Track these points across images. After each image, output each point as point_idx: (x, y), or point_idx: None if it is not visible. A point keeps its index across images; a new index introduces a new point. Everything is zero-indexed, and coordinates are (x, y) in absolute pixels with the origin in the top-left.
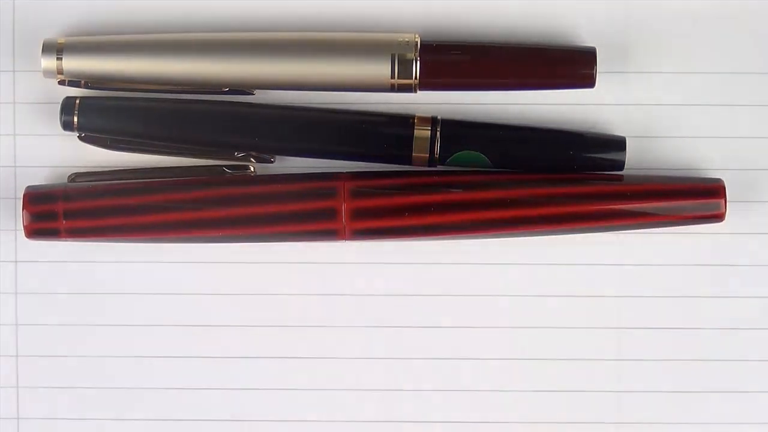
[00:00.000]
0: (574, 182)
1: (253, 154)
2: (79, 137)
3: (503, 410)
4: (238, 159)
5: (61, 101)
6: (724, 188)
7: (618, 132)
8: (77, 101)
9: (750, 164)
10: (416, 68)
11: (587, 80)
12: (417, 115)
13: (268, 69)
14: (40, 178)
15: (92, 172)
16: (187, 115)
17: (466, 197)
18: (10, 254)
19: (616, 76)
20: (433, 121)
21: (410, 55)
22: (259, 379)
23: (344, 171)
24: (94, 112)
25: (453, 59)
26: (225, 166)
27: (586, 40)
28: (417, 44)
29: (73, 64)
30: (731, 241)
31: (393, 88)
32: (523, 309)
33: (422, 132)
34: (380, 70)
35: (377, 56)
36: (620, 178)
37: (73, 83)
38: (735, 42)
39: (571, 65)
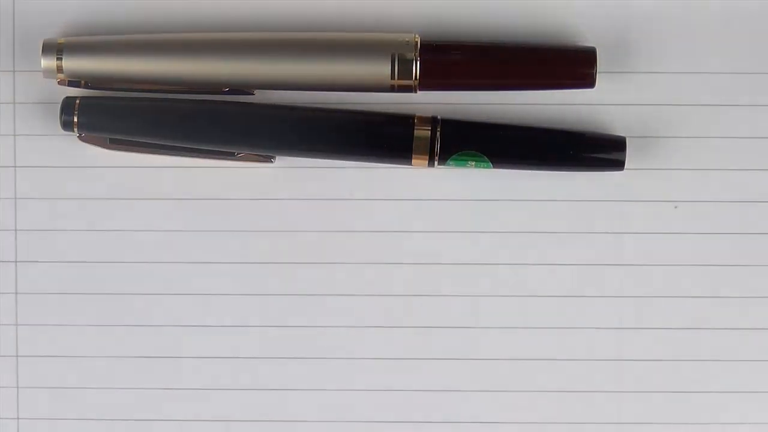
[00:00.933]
0: None
1: (253, 153)
2: (79, 137)
3: (503, 410)
4: (238, 159)
5: (61, 101)
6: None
7: (618, 132)
8: (77, 101)
9: (750, 164)
10: (416, 68)
11: (587, 80)
12: (417, 115)
13: (268, 69)
14: (39, 178)
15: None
16: (187, 115)
17: None
18: (10, 254)
19: (616, 76)
20: (433, 121)
21: (410, 55)
22: (261, 379)
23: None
24: (94, 112)
25: (453, 59)
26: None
27: (586, 40)
28: (417, 44)
29: (73, 64)
30: (732, 241)
31: (393, 88)
32: (523, 308)
33: (422, 132)
34: (380, 70)
35: (377, 56)
36: None
37: (73, 83)
38: (735, 42)
39: (571, 65)
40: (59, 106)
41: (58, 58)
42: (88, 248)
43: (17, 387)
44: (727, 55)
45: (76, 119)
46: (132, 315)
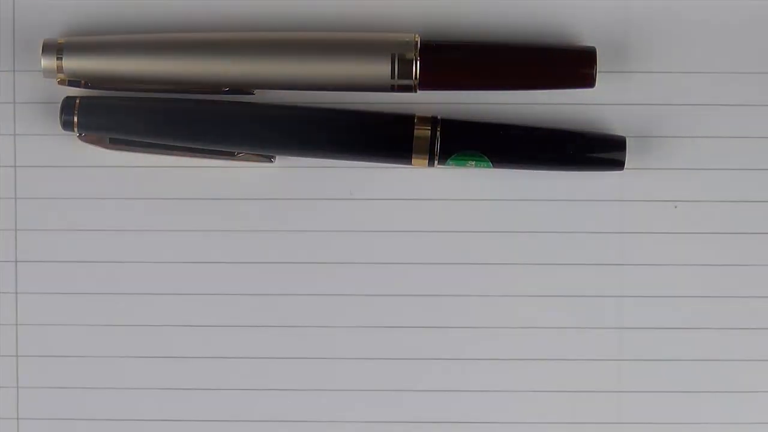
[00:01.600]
0: None
1: (253, 153)
2: (79, 137)
3: (503, 410)
4: (238, 158)
5: (61, 101)
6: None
7: (618, 132)
8: (77, 101)
9: (751, 164)
10: (416, 68)
11: (587, 80)
12: (417, 115)
13: (268, 69)
14: (39, 178)
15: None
16: (187, 115)
17: None
18: (10, 254)
19: (616, 76)
20: (433, 121)
21: (410, 55)
22: (262, 379)
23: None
24: (94, 112)
25: (453, 59)
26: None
27: (586, 40)
28: (417, 44)
29: (73, 64)
30: (732, 241)
31: (393, 88)
32: (522, 309)
33: (422, 132)
34: (380, 70)
35: (377, 56)
36: None
37: (73, 83)
38: (735, 42)
39: (571, 65)
40: (59, 106)
41: (58, 58)
42: (88, 248)
43: (17, 387)
44: (727, 55)
45: (76, 119)
46: (132, 315)
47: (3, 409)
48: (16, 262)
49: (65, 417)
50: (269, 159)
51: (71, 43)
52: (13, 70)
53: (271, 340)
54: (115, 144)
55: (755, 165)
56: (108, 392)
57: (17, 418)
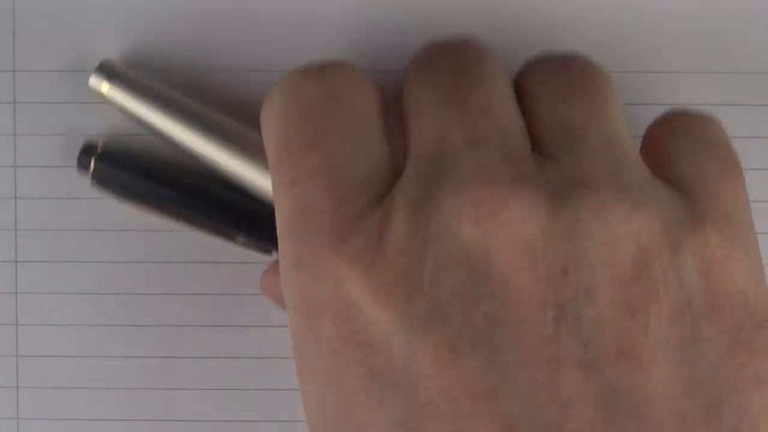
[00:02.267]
0: None
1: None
2: (92, 181)
3: None
4: (238, 243)
5: (81, 145)
6: None
7: None
8: (92, 160)
9: (750, 164)
10: None
11: None
12: None
13: None
14: (39, 178)
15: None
16: (202, 201)
17: None
18: (11, 254)
19: (616, 76)
20: None
21: None
22: (263, 380)
23: None
24: (110, 173)
25: None
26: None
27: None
28: None
29: (117, 94)
30: None
31: None
32: None
33: None
34: None
35: None
36: None
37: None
38: (735, 42)
39: None
40: (79, 146)
41: (107, 80)
42: (88, 248)
43: (17, 387)
44: (726, 55)
45: (91, 170)
46: (132, 315)
47: (3, 409)
48: (16, 262)
49: (65, 417)
50: (269, 252)
51: (124, 73)
52: (14, 70)
53: (272, 341)
54: (126, 197)
55: (755, 165)
56: (108, 392)
57: (17, 418)
